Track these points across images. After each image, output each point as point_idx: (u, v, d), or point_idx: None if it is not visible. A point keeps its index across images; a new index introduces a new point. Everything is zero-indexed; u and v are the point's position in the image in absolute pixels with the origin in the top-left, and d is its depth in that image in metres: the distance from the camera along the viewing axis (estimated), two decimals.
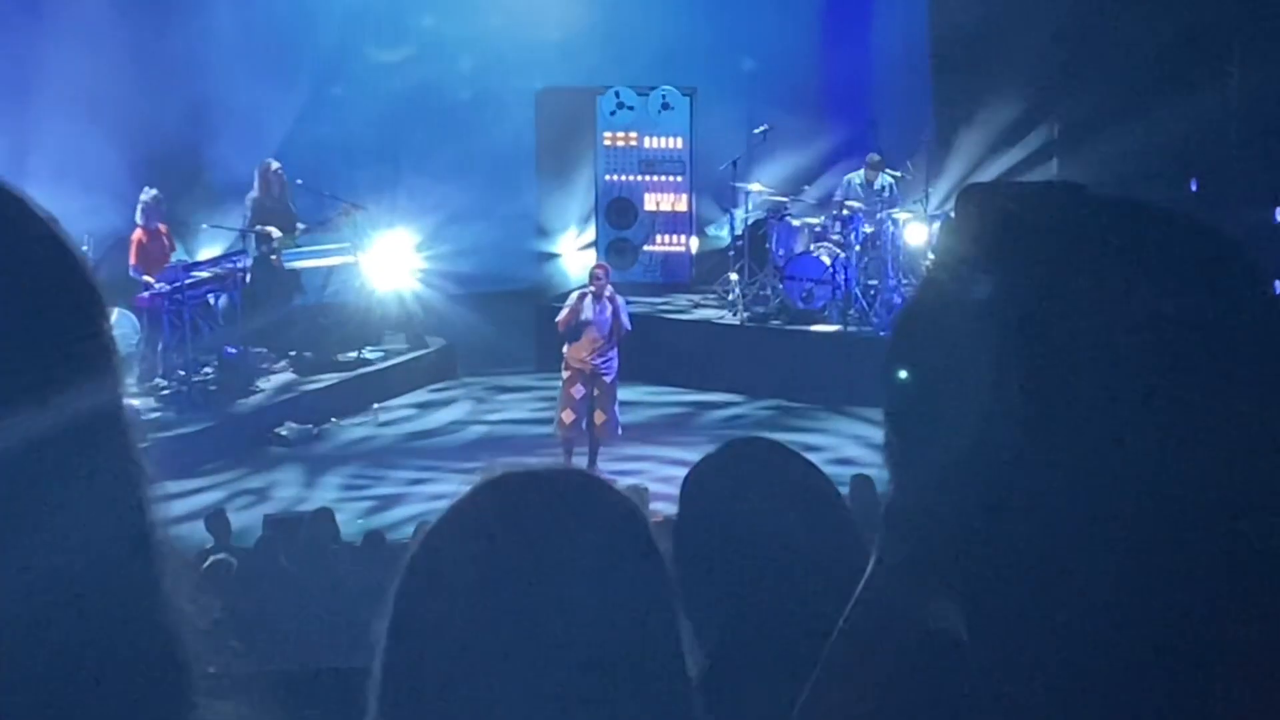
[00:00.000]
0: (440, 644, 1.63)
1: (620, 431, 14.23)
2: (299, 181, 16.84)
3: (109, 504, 1.19)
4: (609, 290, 14.02)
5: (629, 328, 14.13)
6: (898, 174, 16.99)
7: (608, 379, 14.03)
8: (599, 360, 13.91)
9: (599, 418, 14.01)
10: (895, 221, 16.38)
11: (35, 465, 1.14)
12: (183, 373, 14.99)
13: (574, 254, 19.08)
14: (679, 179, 18.70)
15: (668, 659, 1.69)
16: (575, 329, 13.87)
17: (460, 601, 1.64)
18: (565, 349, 14.03)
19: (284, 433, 15.19)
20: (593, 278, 14.13)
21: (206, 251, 16.84)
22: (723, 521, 2.48)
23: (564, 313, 13.97)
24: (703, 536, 2.49)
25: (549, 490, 1.72)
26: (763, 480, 2.54)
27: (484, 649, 1.61)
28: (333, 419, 15.78)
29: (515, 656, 1.61)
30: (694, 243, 18.77)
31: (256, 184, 16.51)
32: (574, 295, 14.15)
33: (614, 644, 1.64)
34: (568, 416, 13.98)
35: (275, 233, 16.47)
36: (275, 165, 16.60)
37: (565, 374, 14.00)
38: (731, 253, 17.57)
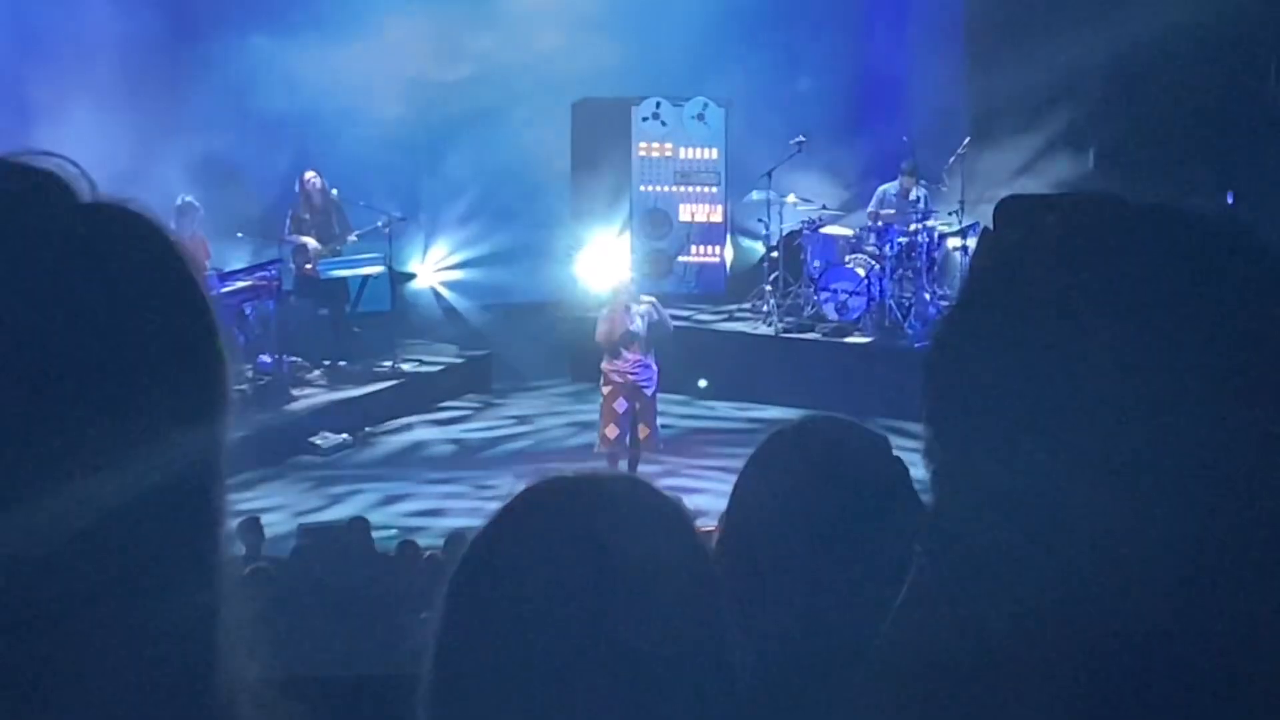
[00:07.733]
0: (489, 645, 1.66)
1: (661, 445, 14.19)
2: (334, 191, 16.89)
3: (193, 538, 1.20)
4: (643, 300, 13.97)
5: (670, 329, 14.04)
6: (932, 184, 16.94)
7: (648, 391, 13.93)
8: (638, 373, 13.85)
9: (643, 431, 13.95)
10: (930, 233, 16.34)
11: (133, 494, 1.14)
12: None
13: (609, 265, 19.06)
14: (714, 190, 18.69)
15: (714, 659, 1.71)
16: (614, 343, 13.82)
17: (509, 602, 1.67)
18: (604, 363, 13.96)
19: (318, 442, 15.24)
20: (622, 290, 14.07)
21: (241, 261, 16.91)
22: (783, 505, 2.43)
23: (602, 326, 13.89)
24: (760, 523, 2.43)
25: (597, 493, 1.75)
26: (829, 462, 2.48)
27: (532, 649, 1.64)
28: (367, 429, 15.83)
29: (563, 656, 1.63)
30: (729, 253, 18.75)
31: (298, 197, 16.65)
32: (606, 309, 14.02)
33: (660, 644, 1.66)
34: (611, 432, 13.88)
35: (311, 243, 16.54)
36: (310, 176, 16.69)
37: (606, 389, 13.89)
38: (766, 264, 17.55)
